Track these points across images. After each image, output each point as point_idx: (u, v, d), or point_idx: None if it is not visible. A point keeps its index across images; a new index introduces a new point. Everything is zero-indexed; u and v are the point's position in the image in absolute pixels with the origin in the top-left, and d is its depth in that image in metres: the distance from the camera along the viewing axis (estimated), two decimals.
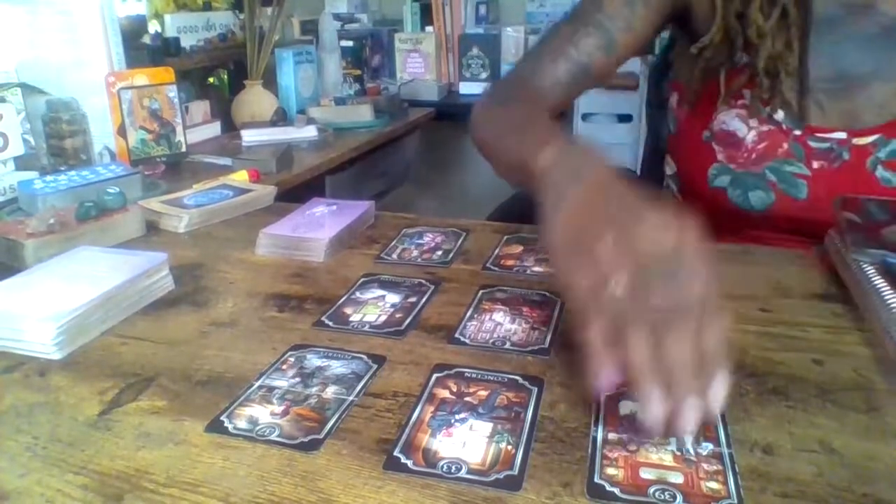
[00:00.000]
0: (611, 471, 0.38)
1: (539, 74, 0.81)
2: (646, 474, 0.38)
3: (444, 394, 0.46)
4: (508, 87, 0.81)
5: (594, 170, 0.50)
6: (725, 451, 0.40)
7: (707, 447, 0.40)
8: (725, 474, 0.38)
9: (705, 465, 0.39)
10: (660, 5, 0.81)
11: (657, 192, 0.99)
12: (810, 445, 0.41)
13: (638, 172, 1.42)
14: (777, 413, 0.44)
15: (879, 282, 0.54)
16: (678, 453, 0.40)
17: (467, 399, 0.46)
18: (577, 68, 0.81)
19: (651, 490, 0.37)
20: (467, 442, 0.41)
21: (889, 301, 0.51)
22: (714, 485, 0.37)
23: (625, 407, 0.44)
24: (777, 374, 0.48)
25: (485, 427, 0.43)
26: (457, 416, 0.44)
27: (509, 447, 0.41)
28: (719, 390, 0.38)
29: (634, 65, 2.58)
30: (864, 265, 0.57)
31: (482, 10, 2.52)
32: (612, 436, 0.41)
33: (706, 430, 0.41)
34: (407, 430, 0.43)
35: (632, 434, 0.41)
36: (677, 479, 0.38)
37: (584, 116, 2.77)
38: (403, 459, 0.40)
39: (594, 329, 0.41)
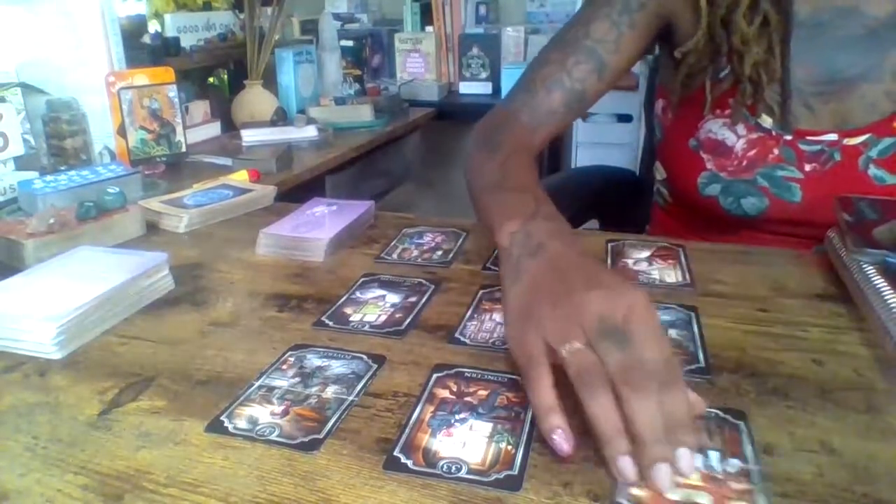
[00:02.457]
0: (634, 491, 0.37)
1: (533, 106, 0.82)
2: (671, 495, 0.37)
3: (444, 394, 0.46)
4: (500, 127, 0.81)
5: (552, 245, 0.52)
6: (753, 468, 0.38)
7: (735, 464, 0.39)
8: (753, 494, 0.36)
9: (734, 484, 0.37)
10: (646, 26, 0.82)
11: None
12: (810, 445, 0.41)
13: (637, 173, 1.42)
14: (777, 413, 0.44)
15: (879, 282, 0.54)
16: (705, 471, 0.38)
17: (467, 399, 0.46)
18: (571, 96, 0.82)
19: None
20: (467, 442, 0.41)
21: (889, 301, 0.51)
22: None
23: None
24: (777, 374, 0.48)
25: (485, 427, 0.43)
26: (457, 416, 0.44)
27: (509, 447, 0.41)
28: (687, 463, 0.37)
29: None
30: (864, 265, 0.57)
31: (482, 10, 2.52)
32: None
33: (731, 445, 0.40)
34: (407, 430, 0.43)
35: None
36: (704, 499, 0.36)
37: (584, 116, 2.77)
38: (403, 459, 0.40)
39: (542, 392, 0.41)
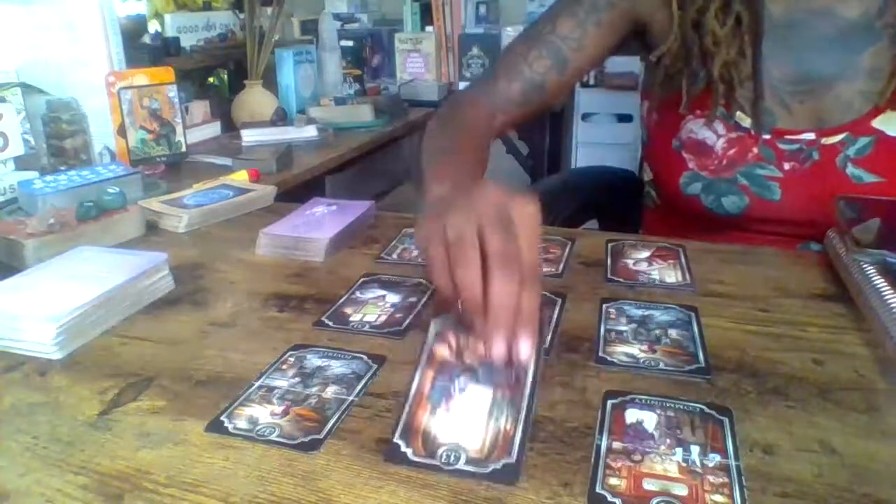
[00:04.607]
0: (613, 481, 0.38)
1: (493, 93, 0.85)
2: (649, 485, 0.37)
3: (444, 353, 0.47)
4: (459, 108, 0.85)
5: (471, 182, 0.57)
6: (732, 462, 0.39)
7: (714, 458, 0.39)
8: (731, 487, 0.37)
9: (711, 478, 0.38)
10: (612, 25, 0.84)
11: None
12: (810, 445, 0.41)
13: (637, 173, 1.42)
14: (777, 413, 0.44)
15: (879, 282, 0.54)
16: (684, 464, 0.39)
17: (466, 358, 0.47)
18: (530, 87, 0.85)
19: (654, 502, 0.36)
20: (466, 422, 0.42)
21: (889, 301, 0.51)
22: (719, 497, 0.36)
23: (631, 415, 0.44)
24: (777, 374, 0.48)
25: (485, 397, 0.44)
26: (456, 383, 0.45)
27: (507, 427, 0.41)
28: (525, 347, 0.43)
29: (634, 64, 2.59)
30: (864, 265, 0.57)
31: (482, 10, 2.52)
32: (616, 444, 0.41)
33: (713, 441, 0.41)
34: (407, 408, 0.44)
35: (637, 443, 0.41)
36: (681, 490, 0.37)
37: (584, 116, 2.78)
38: (403, 448, 0.41)
39: (434, 265, 0.46)
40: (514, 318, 0.43)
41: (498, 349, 0.43)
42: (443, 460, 0.39)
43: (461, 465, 0.39)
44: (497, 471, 0.38)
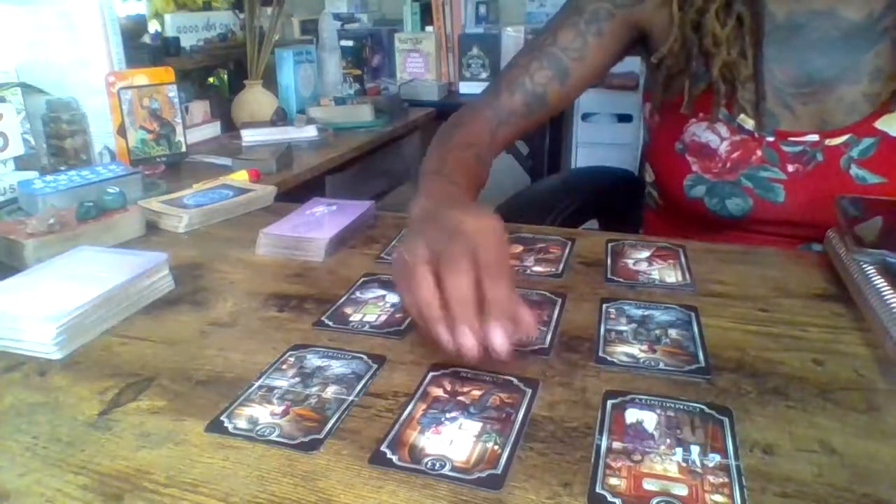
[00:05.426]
0: (613, 481, 0.38)
1: (496, 106, 0.86)
2: (649, 485, 0.37)
3: (438, 392, 0.46)
4: (459, 123, 0.86)
5: (450, 204, 0.59)
6: (732, 462, 0.39)
7: (714, 458, 0.39)
8: (731, 487, 0.37)
9: (711, 478, 0.38)
10: (614, 34, 0.84)
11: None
12: (810, 445, 0.41)
13: (637, 173, 1.42)
14: (777, 413, 0.44)
15: (879, 282, 0.54)
16: (684, 464, 0.39)
17: (460, 398, 0.46)
18: (532, 99, 0.86)
19: (654, 502, 0.36)
20: (454, 440, 0.42)
21: (889, 301, 0.51)
22: (719, 497, 0.36)
23: (631, 415, 0.44)
24: (777, 374, 0.48)
25: (474, 426, 0.43)
26: (447, 415, 0.44)
27: (496, 447, 0.41)
28: (496, 335, 0.44)
29: (634, 64, 2.59)
30: (864, 265, 0.57)
31: (482, 10, 2.52)
32: (616, 444, 0.41)
33: (713, 441, 0.41)
34: (396, 427, 0.43)
35: (637, 443, 0.41)
36: (681, 490, 0.37)
37: (584, 116, 2.78)
38: (389, 455, 0.40)
39: (397, 288, 0.50)
40: (470, 308, 0.44)
41: (463, 342, 0.44)
42: (428, 467, 0.39)
43: (446, 471, 0.39)
44: (481, 478, 0.38)
